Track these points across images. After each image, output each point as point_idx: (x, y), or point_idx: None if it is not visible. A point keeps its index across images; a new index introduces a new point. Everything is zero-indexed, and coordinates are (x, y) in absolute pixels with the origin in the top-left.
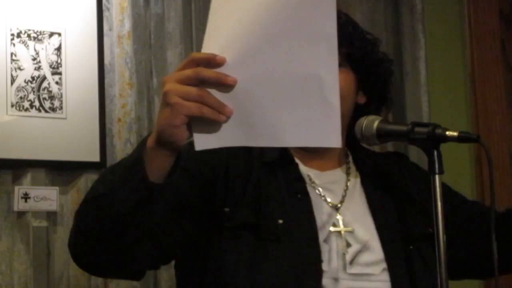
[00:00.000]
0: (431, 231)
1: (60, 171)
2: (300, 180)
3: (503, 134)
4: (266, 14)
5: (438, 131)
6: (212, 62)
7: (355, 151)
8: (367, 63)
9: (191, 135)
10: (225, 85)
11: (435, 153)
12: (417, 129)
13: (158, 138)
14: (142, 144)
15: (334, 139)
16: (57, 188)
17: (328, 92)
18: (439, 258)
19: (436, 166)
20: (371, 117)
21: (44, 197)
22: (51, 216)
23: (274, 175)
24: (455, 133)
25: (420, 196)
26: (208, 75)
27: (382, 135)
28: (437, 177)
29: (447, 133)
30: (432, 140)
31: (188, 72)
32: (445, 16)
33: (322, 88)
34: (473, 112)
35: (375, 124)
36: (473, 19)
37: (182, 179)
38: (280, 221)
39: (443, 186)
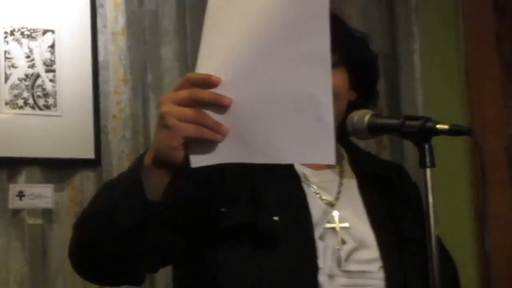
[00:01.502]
0: (423, 238)
1: (55, 168)
2: (295, 177)
3: (498, 127)
4: (260, 33)
5: (429, 124)
6: (208, 82)
7: (351, 152)
8: (360, 63)
9: (187, 154)
10: (221, 106)
11: (426, 146)
12: (408, 122)
13: (155, 158)
14: (139, 162)
15: (328, 156)
16: (52, 185)
17: (322, 111)
18: (431, 255)
19: (428, 159)
20: (362, 111)
21: (39, 194)
22: (46, 213)
23: (269, 173)
24: (446, 126)
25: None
26: (204, 97)
27: (373, 129)
28: (428, 170)
29: (438, 126)
30: (423, 133)
31: (184, 93)
32: (439, 9)
33: (316, 107)
34: (468, 105)
35: (366, 118)
36: (467, 11)
37: (181, 184)
38: (276, 218)
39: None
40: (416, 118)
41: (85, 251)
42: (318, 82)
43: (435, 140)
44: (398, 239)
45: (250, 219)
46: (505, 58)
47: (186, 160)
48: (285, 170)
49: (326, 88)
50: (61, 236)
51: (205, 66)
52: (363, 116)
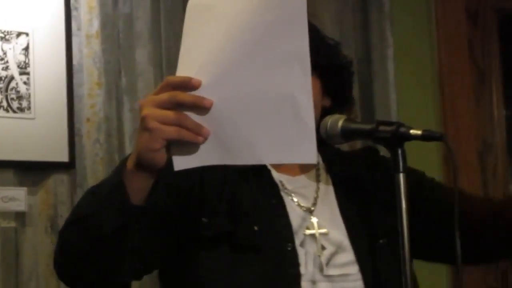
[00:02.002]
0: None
1: (28, 171)
2: (273, 185)
3: (471, 132)
4: (239, 35)
5: (402, 129)
6: (188, 85)
7: (324, 152)
8: (332, 69)
9: (169, 157)
10: (202, 108)
11: (399, 151)
12: (381, 127)
13: (138, 161)
14: (122, 166)
15: (310, 155)
16: (25, 188)
17: (302, 111)
18: (403, 257)
19: (400, 164)
20: (336, 116)
21: (12, 197)
22: (19, 216)
23: (247, 182)
24: (419, 132)
25: (388, 190)
26: (184, 99)
27: (347, 134)
28: (401, 175)
29: (411, 131)
30: (396, 139)
31: (165, 96)
32: (413, 15)
33: (296, 107)
34: (441, 111)
35: (340, 123)
36: (440, 17)
37: (160, 192)
38: (256, 228)
39: (418, 174)
40: (389, 123)
41: (70, 259)
42: (297, 82)
43: (408, 145)
44: (372, 238)
45: (229, 229)
46: (477, 64)
47: (169, 163)
48: (263, 179)
49: (306, 88)
50: (34, 239)
51: (185, 68)
52: (336, 121)
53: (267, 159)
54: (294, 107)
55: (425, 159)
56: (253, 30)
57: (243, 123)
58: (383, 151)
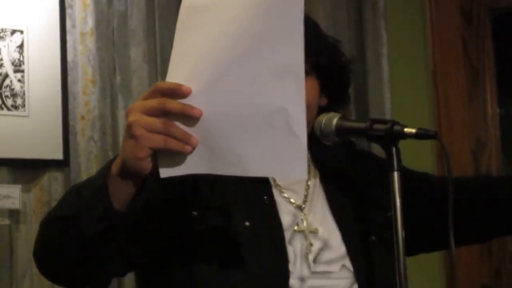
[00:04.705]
0: (389, 215)
1: (23, 169)
2: (265, 182)
3: (465, 131)
4: (233, 42)
5: (396, 128)
6: (178, 92)
7: (313, 149)
8: (333, 70)
9: (155, 165)
10: (190, 117)
11: (393, 150)
12: (375, 126)
13: (122, 168)
14: (106, 168)
15: (300, 171)
16: (19, 186)
17: (295, 125)
18: (397, 249)
19: (395, 163)
20: (330, 114)
21: (6, 195)
22: (13, 214)
23: (240, 179)
24: (413, 130)
25: (377, 186)
26: (173, 107)
27: (341, 132)
28: (395, 174)
29: (405, 130)
30: (391, 137)
31: (153, 102)
32: (407, 13)
33: (289, 121)
34: (435, 109)
35: (334, 121)
36: (434, 16)
37: (152, 186)
38: (247, 223)
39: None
40: (384, 121)
41: (49, 254)
42: (291, 95)
43: (402, 143)
44: (365, 230)
45: (221, 224)
46: (471, 62)
47: (156, 167)
48: (256, 176)
49: (299, 102)
50: (29, 236)
51: (176, 74)
52: (331, 119)
53: (255, 172)
54: (286, 121)
55: (419, 157)
56: (248, 38)
57: (233, 133)
58: (377, 150)
